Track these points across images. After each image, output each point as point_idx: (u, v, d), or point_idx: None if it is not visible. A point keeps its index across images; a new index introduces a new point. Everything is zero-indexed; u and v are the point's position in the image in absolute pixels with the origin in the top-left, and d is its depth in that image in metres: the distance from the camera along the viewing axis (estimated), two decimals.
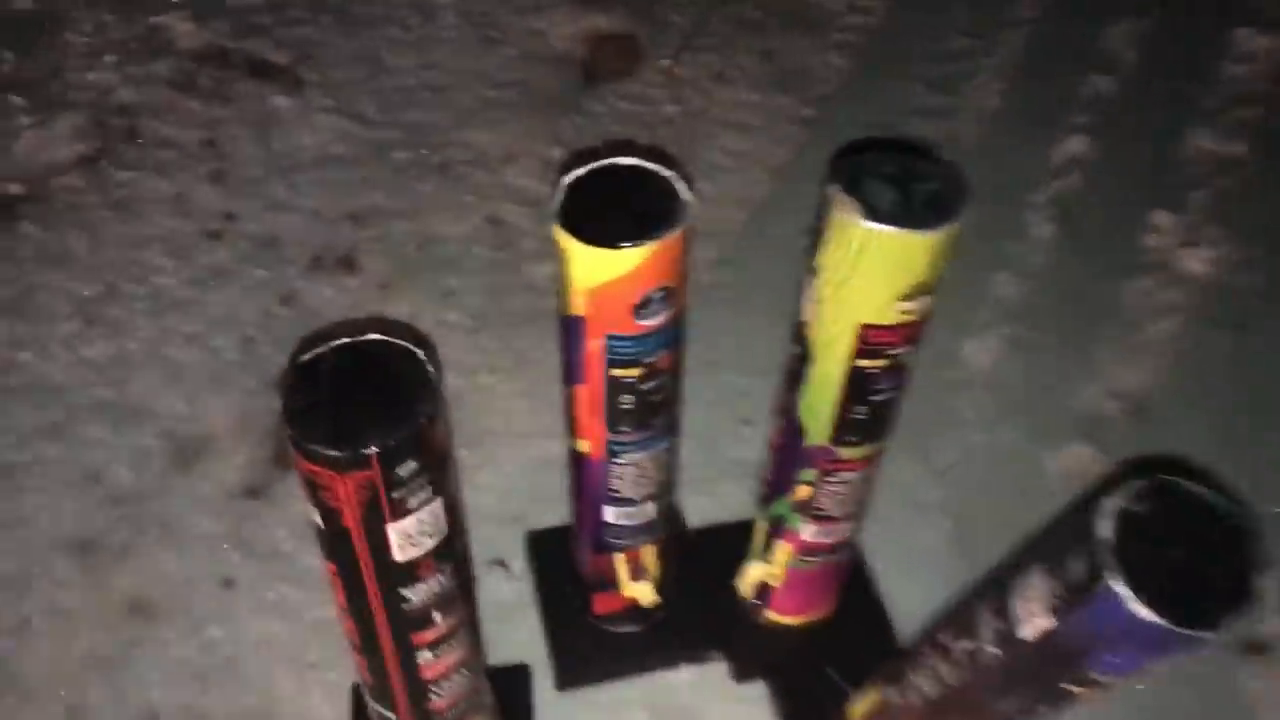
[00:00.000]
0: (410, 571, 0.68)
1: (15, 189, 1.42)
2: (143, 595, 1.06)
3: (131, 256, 1.36)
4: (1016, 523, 1.13)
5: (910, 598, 1.07)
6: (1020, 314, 1.32)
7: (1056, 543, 0.63)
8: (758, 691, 1.01)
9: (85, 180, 1.43)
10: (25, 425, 1.19)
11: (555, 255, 0.72)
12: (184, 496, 1.14)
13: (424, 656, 0.75)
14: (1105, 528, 0.58)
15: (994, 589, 0.70)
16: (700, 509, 1.13)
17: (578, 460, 0.86)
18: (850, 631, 1.03)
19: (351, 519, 0.64)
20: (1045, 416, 1.23)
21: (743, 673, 1.02)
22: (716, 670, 1.02)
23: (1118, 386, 1.25)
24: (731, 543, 1.07)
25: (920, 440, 1.19)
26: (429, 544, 0.67)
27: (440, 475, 0.66)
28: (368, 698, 0.82)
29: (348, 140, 1.50)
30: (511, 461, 1.18)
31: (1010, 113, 1.56)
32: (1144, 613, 0.55)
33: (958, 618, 0.75)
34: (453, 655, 0.76)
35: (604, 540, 0.92)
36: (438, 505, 0.66)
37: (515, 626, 1.04)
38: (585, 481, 0.87)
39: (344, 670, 1.00)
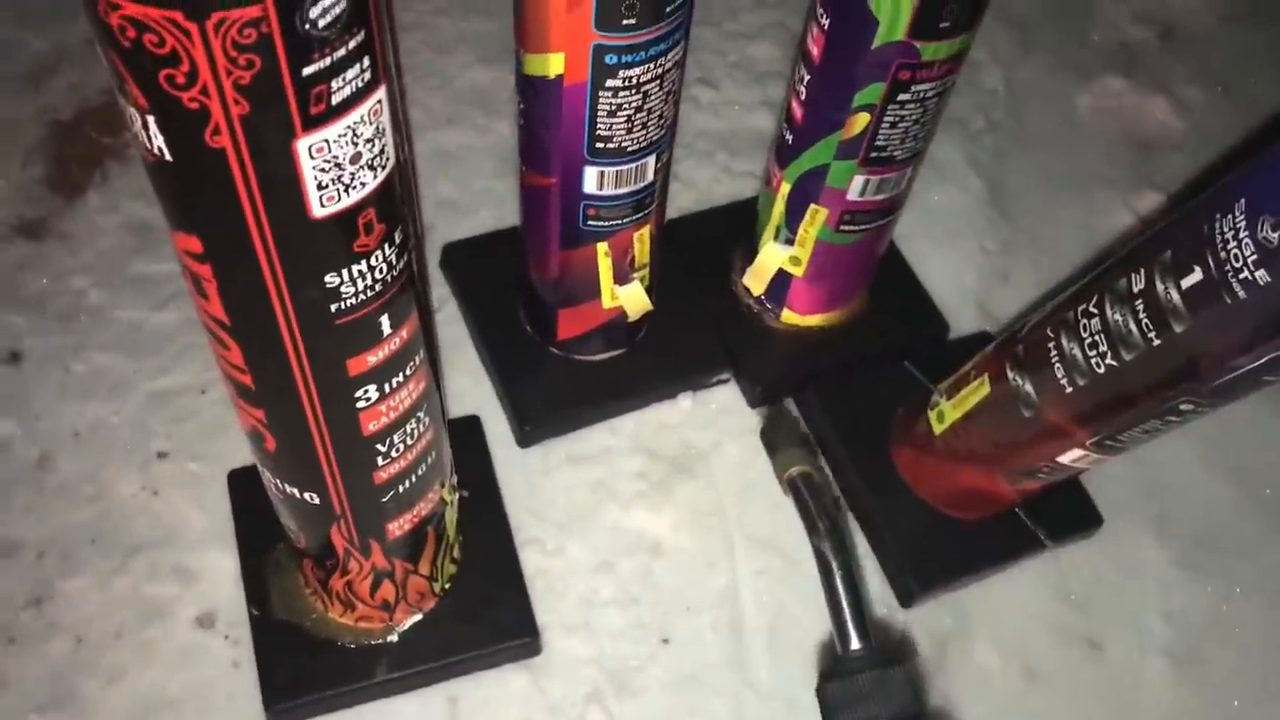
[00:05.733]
0: (342, 236, 0.38)
1: None
2: None
3: None
4: (1053, 170, 0.91)
5: (949, 271, 0.84)
6: None
7: None
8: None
9: None
10: None
11: None
12: None
13: (366, 394, 0.45)
14: None
15: (1208, 207, 0.46)
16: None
17: (539, 91, 0.56)
18: (887, 323, 0.79)
19: (225, 126, 0.33)
20: (1071, 49, 0.99)
21: (761, 395, 0.77)
22: (723, 396, 0.77)
23: (1142, 7, 1.02)
24: (715, 235, 0.81)
25: None
26: (370, 181, 0.37)
27: (380, 40, 0.35)
28: (267, 478, 0.53)
29: None
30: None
31: None
32: None
33: (1146, 256, 0.50)
34: (407, 391, 0.47)
35: (580, 225, 0.63)
36: (379, 99, 0.36)
37: (449, 369, 0.76)
38: (553, 129, 0.57)
39: (212, 458, 0.71)
